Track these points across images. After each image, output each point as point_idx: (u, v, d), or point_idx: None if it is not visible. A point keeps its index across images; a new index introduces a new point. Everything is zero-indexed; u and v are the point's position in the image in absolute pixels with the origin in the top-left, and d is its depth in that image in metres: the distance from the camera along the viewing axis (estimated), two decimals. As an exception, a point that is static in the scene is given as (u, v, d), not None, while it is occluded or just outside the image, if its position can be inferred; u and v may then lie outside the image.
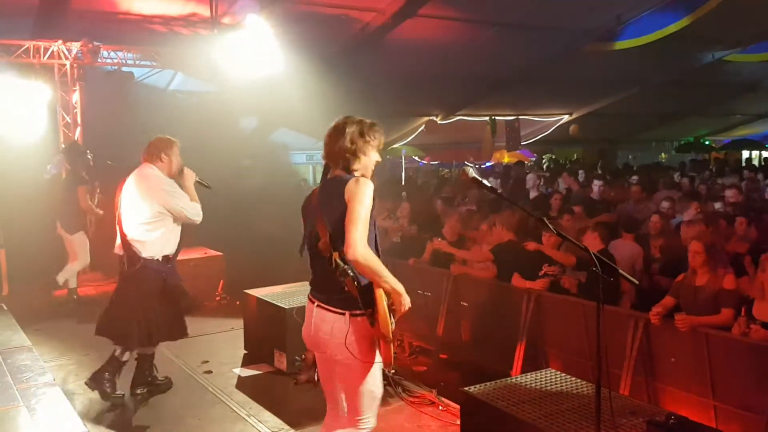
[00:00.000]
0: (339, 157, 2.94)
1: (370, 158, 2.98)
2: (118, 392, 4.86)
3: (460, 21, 10.84)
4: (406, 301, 2.85)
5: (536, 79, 14.22)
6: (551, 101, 17.09)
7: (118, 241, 4.69)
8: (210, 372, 5.60)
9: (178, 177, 4.78)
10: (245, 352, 6.04)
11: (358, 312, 2.83)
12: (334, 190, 2.85)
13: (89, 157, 7.91)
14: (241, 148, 9.64)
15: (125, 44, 9.43)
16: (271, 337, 5.67)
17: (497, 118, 17.74)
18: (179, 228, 4.78)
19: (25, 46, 8.88)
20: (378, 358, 2.91)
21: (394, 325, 2.84)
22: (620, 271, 2.94)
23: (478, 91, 14.94)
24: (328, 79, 9.03)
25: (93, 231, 7.74)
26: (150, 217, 4.59)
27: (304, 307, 5.40)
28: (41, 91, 9.29)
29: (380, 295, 2.77)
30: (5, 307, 7.33)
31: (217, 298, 8.02)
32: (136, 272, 4.63)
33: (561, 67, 13.51)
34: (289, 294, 5.91)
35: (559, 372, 4.09)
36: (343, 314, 2.86)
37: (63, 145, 9.60)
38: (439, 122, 16.29)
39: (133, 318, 4.68)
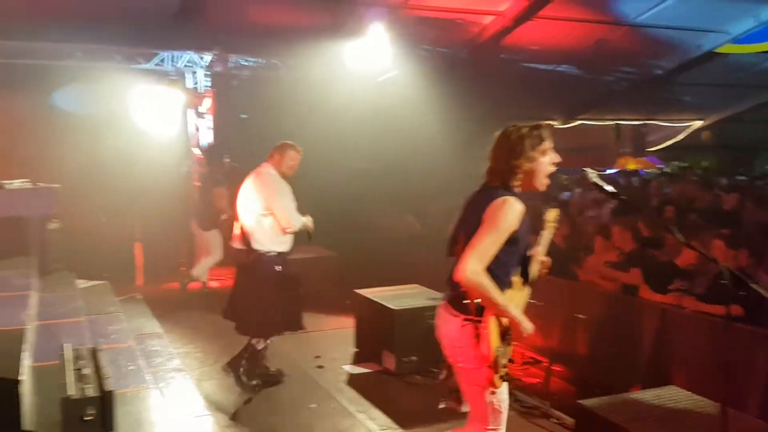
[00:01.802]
0: (498, 173, 2.86)
1: (536, 167, 2.86)
2: (252, 381, 5.11)
3: (584, 22, 10.48)
4: (527, 328, 2.77)
5: (666, 83, 13.46)
6: (682, 106, 16.10)
7: (237, 231, 5.03)
8: (322, 367, 5.77)
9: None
10: (355, 350, 6.15)
11: (469, 319, 2.79)
12: (482, 202, 2.81)
13: (227, 160, 8.47)
14: (359, 150, 9.87)
15: (253, 52, 9.95)
16: (380, 337, 5.74)
17: (622, 123, 16.96)
18: None
19: (162, 55, 9.60)
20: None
21: (506, 351, 2.77)
22: (752, 285, 2.70)
23: (602, 94, 14.36)
24: (446, 83, 9.03)
25: (225, 230, 8.24)
26: (261, 212, 4.87)
27: (413, 309, 5.57)
28: (175, 96, 10.02)
29: (491, 318, 2.73)
30: (139, 297, 7.96)
31: (329, 297, 8.24)
32: (252, 263, 4.92)
33: (694, 70, 12.71)
34: (399, 295, 5.96)
35: (681, 389, 3.83)
36: (458, 317, 2.84)
37: (194, 149, 10.30)
38: (558, 127, 15.85)
39: (251, 308, 4.96)
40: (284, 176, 5.02)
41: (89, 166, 9.20)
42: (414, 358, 5.48)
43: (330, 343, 6.40)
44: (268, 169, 4.99)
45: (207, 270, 8.53)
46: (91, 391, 3.08)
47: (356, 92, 9.80)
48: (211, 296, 8.08)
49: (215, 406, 4.90)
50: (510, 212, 2.73)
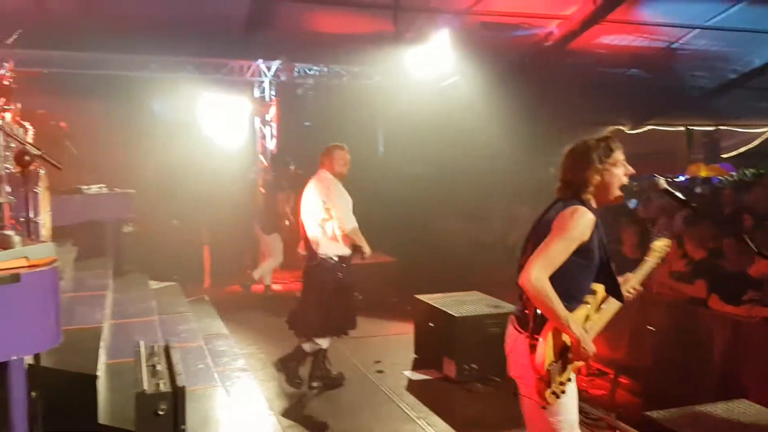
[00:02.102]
0: (568, 186, 2.81)
1: (607, 179, 2.78)
2: (314, 383, 5.29)
3: (654, 25, 10.19)
4: (588, 348, 2.64)
5: (741, 87, 12.93)
6: (756, 111, 15.41)
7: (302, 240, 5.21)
8: (382, 372, 5.81)
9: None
10: (415, 356, 6.16)
11: (524, 330, 2.73)
12: (551, 213, 2.76)
13: (292, 167, 8.67)
14: (420, 155, 9.92)
15: (317, 61, 10.16)
16: (440, 344, 5.73)
17: (694, 128, 16.37)
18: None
19: (230, 65, 9.92)
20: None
21: (563, 368, 2.67)
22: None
23: (673, 99, 13.91)
24: (509, 88, 8.96)
25: (286, 234, 8.44)
26: (323, 216, 5.04)
27: (474, 316, 5.54)
28: (243, 104, 10.35)
29: (550, 331, 2.64)
30: (207, 298, 8.22)
31: (390, 303, 8.29)
32: (314, 268, 5.11)
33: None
34: (460, 302, 5.94)
35: (753, 403, 3.67)
36: (522, 334, 2.75)
37: (260, 156, 10.60)
38: (627, 132, 15.42)
39: (310, 310, 5.13)
40: (341, 176, 5.18)
41: (162, 172, 9.60)
42: (475, 365, 5.45)
43: (390, 348, 6.44)
44: (324, 174, 5.18)
45: (269, 273, 8.74)
46: (164, 386, 3.22)
47: (418, 98, 9.85)
48: (273, 299, 8.28)
49: (277, 407, 5.01)
50: (581, 220, 2.65)
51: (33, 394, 2.86)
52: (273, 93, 10.61)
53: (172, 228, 9.72)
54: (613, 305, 2.87)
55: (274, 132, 10.77)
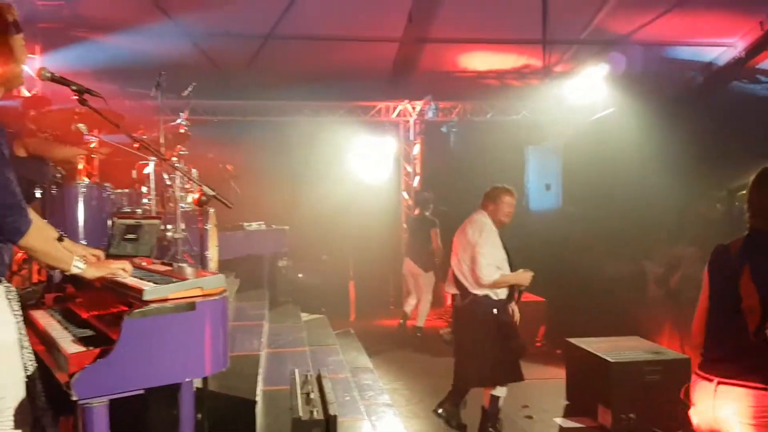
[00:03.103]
0: None
1: None
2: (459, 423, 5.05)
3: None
4: None
5: None
6: None
7: (451, 278, 5.04)
8: (531, 417, 5.58)
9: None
10: (567, 402, 5.86)
11: None
12: None
13: (431, 205, 8.75)
14: (570, 192, 9.57)
15: (462, 98, 10.25)
16: (595, 391, 5.40)
17: None
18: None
19: (378, 107, 10.30)
20: None
21: None
22: None
23: None
24: (670, 119, 8.40)
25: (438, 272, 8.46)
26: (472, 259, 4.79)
27: (632, 362, 5.17)
28: (388, 143, 10.69)
29: None
30: (352, 331, 8.41)
31: (538, 345, 8.00)
32: (467, 306, 4.83)
33: None
34: (616, 347, 5.57)
35: None
36: (766, 390, 2.41)
37: (404, 193, 10.82)
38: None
39: (470, 356, 4.85)
40: (501, 224, 4.86)
41: (313, 209, 10.07)
42: (633, 415, 5.07)
43: (539, 392, 6.17)
44: (481, 216, 4.89)
45: (425, 315, 8.64)
46: (317, 414, 3.31)
47: (568, 133, 9.58)
48: (415, 336, 8.27)
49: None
50: None
51: (199, 415, 3.05)
52: (418, 131, 10.84)
53: (321, 262, 10.13)
54: None
55: (418, 170, 10.97)
